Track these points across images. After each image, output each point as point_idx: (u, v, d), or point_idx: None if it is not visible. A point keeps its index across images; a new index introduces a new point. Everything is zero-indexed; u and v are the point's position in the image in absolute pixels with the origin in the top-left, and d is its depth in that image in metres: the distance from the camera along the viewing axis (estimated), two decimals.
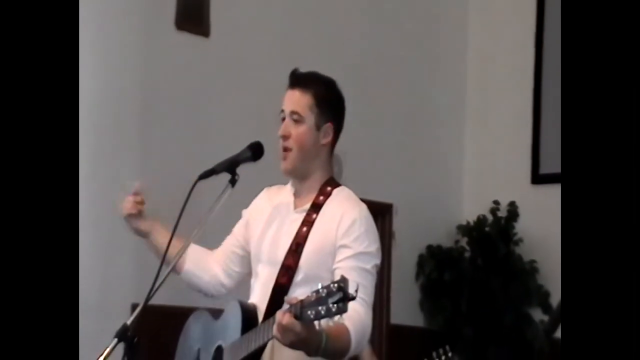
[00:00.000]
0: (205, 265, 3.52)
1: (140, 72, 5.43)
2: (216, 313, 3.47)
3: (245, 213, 3.54)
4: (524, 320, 6.27)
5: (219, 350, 3.34)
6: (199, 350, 3.45)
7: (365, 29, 6.38)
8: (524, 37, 6.68)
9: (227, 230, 3.55)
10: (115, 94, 5.33)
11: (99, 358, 2.91)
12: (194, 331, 3.52)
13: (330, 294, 2.78)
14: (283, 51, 5.62)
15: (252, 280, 3.43)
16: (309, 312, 2.81)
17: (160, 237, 3.46)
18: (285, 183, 3.46)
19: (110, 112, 5.31)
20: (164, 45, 5.52)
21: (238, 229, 3.54)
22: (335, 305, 2.77)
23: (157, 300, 3.09)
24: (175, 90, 5.54)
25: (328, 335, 2.98)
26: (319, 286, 2.82)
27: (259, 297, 3.32)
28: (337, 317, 2.83)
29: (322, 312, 2.79)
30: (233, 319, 3.31)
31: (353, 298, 2.79)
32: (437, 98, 6.81)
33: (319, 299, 2.80)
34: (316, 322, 2.88)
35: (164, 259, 3.12)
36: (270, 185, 3.53)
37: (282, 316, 2.87)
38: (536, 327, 6.16)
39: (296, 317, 2.85)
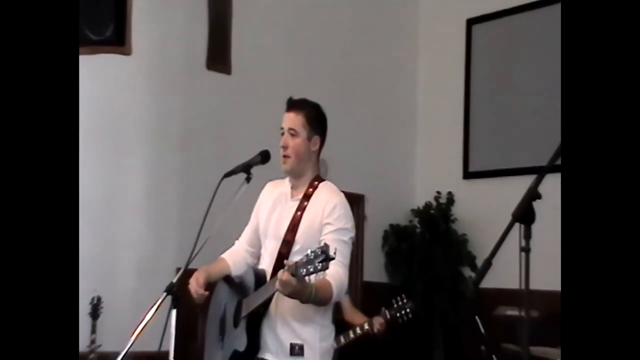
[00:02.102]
0: (241, 262, 3.48)
1: (180, 101, 5.44)
2: (237, 277, 3.45)
3: (257, 205, 3.48)
4: (458, 277, 6.26)
5: (239, 303, 3.32)
6: (225, 305, 3.42)
7: (341, 68, 6.35)
8: (456, 71, 6.68)
9: (244, 213, 3.49)
10: (164, 118, 5.35)
11: (152, 306, 2.91)
12: (221, 292, 3.48)
13: (316, 256, 2.79)
14: (284, 84, 5.61)
15: (262, 251, 3.40)
16: (301, 270, 2.82)
17: (215, 271, 3.41)
18: (283, 178, 3.43)
19: (160, 131, 5.33)
20: (197, 80, 5.51)
21: (253, 216, 3.48)
22: (320, 264, 2.78)
23: (195, 264, 3.09)
24: (206, 113, 5.54)
25: (317, 288, 2.99)
26: (309, 251, 2.82)
27: (267, 263, 3.30)
28: (322, 273, 2.84)
29: (311, 270, 2.79)
30: (249, 280, 3.30)
31: (333, 258, 2.79)
32: (396, 117, 6.79)
33: (308, 261, 2.80)
34: (307, 278, 2.88)
35: (199, 235, 3.05)
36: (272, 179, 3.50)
37: (282, 274, 2.87)
38: (466, 282, 6.15)
39: (292, 274, 2.85)
